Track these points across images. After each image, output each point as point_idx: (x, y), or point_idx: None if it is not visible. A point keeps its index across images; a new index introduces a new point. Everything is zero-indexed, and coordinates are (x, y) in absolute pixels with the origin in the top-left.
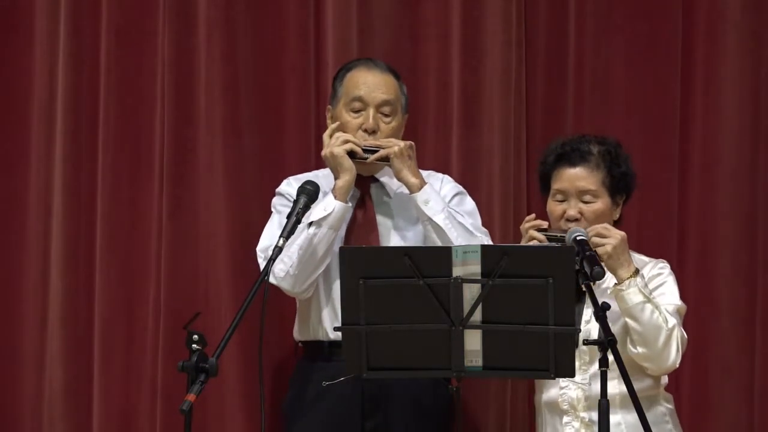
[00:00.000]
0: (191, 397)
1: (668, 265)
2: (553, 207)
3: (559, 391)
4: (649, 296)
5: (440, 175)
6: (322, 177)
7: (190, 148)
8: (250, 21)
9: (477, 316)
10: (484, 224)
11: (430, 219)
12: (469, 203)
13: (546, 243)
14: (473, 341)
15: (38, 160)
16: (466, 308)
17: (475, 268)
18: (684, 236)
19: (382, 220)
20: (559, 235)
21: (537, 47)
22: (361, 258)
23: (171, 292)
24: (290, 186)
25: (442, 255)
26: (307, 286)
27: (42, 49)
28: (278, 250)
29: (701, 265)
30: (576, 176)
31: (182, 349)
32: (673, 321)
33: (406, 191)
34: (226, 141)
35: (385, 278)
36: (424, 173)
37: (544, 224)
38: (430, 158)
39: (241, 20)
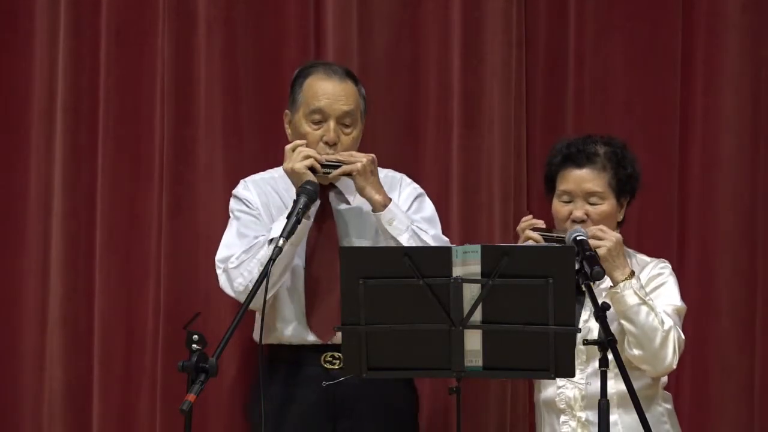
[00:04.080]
0: (191, 397)
1: (669, 265)
2: (559, 208)
3: (557, 390)
4: (644, 298)
5: (399, 176)
6: (279, 178)
7: (190, 148)
8: (250, 21)
9: (477, 316)
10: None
11: (394, 239)
12: (428, 208)
13: (542, 243)
14: (473, 341)
15: (38, 160)
16: (466, 308)
17: (475, 268)
18: (684, 236)
19: (342, 230)
20: (555, 235)
21: (537, 47)
22: (361, 258)
23: (171, 292)
24: (247, 189)
25: (442, 255)
26: (264, 300)
27: (42, 49)
28: (278, 251)
29: (701, 265)
30: (582, 178)
31: (182, 349)
32: (669, 322)
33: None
34: (226, 141)
35: (385, 278)
36: (382, 173)
37: (540, 223)
38: (431, 158)
39: (241, 20)
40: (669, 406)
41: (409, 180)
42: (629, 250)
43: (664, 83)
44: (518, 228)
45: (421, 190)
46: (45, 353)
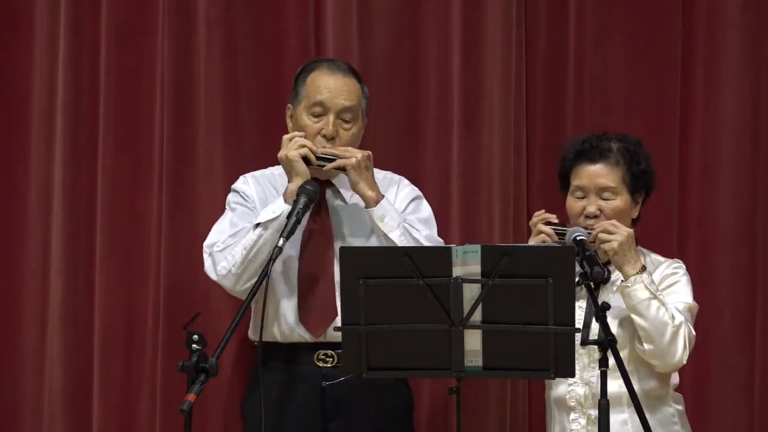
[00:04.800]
0: (191, 397)
1: (683, 265)
2: (573, 204)
3: (567, 387)
4: (655, 293)
5: (397, 177)
6: (279, 175)
7: (190, 148)
8: (250, 21)
9: (477, 316)
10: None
11: (385, 235)
12: (425, 210)
13: (555, 239)
14: (473, 341)
15: (38, 160)
16: (466, 308)
17: (475, 268)
18: (684, 236)
19: (336, 227)
20: (565, 230)
21: (537, 47)
22: (360, 258)
23: (171, 292)
24: (246, 184)
25: (442, 255)
26: (248, 285)
27: (42, 49)
28: (278, 251)
29: (701, 265)
30: (596, 173)
31: (182, 349)
32: (680, 318)
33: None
34: (226, 141)
35: (385, 278)
36: (381, 174)
37: (553, 218)
38: (431, 158)
39: (241, 20)
40: (680, 407)
41: (407, 182)
42: (643, 249)
43: (664, 83)
44: (531, 222)
45: (419, 193)
46: (45, 353)
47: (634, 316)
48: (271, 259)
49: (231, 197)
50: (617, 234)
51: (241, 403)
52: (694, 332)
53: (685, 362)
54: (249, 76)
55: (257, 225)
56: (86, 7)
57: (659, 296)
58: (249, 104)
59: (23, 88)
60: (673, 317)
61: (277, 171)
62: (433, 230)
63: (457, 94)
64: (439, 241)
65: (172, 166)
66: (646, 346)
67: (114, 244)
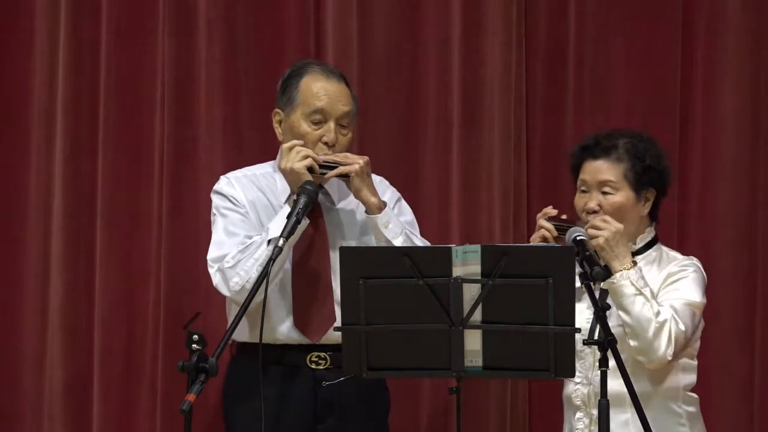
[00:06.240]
0: (191, 397)
1: (696, 263)
2: (577, 199)
3: (574, 387)
4: (641, 289)
5: (378, 178)
6: (261, 175)
7: (190, 148)
8: (250, 21)
9: (477, 316)
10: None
11: (388, 241)
12: (409, 212)
13: (554, 234)
14: (473, 341)
15: (38, 160)
16: (466, 308)
17: (475, 268)
18: (684, 236)
19: (331, 231)
20: (566, 225)
21: (537, 48)
22: (360, 258)
23: (171, 292)
24: (231, 186)
25: (442, 255)
26: (264, 300)
27: (42, 49)
28: (278, 251)
29: (701, 265)
30: (597, 168)
31: (182, 349)
32: (666, 314)
33: (350, 198)
34: (226, 141)
35: (385, 278)
36: None
37: (554, 212)
38: (431, 158)
39: (241, 20)
40: (691, 408)
41: (387, 182)
42: (663, 247)
43: (664, 83)
44: (537, 217)
45: (399, 194)
46: (45, 353)
47: (620, 313)
48: (271, 259)
49: (219, 201)
50: (605, 230)
51: (225, 408)
52: (683, 328)
53: (669, 358)
54: (249, 76)
55: (269, 241)
56: (86, 7)
57: (645, 292)
58: (249, 104)
59: (24, 87)
60: (658, 313)
61: (259, 171)
62: (418, 232)
63: (457, 93)
64: (425, 242)
65: (172, 165)
66: (632, 342)
67: (114, 244)
